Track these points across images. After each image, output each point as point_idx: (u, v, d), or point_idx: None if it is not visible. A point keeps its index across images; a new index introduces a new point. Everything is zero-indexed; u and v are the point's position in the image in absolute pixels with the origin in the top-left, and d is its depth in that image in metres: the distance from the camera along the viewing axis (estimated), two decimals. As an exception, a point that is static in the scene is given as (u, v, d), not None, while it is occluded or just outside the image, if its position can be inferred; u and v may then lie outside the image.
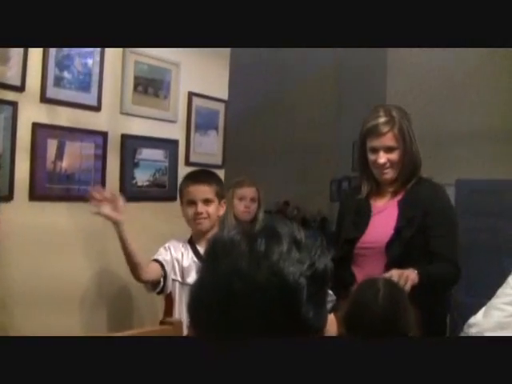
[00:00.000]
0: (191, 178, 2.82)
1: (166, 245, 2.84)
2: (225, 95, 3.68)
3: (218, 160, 3.66)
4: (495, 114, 5.23)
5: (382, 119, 2.64)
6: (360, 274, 2.59)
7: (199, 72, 3.48)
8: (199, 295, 1.11)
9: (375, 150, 2.62)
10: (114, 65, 3.05)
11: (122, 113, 3.11)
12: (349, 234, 2.69)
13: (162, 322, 2.10)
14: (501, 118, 5.00)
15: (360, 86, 6.79)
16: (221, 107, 3.66)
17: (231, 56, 3.69)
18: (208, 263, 1.12)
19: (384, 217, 2.67)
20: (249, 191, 3.61)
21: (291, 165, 7.39)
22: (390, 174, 2.65)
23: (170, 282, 2.75)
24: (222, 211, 2.83)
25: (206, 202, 2.73)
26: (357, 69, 6.48)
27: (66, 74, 2.84)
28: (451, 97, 5.75)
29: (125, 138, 3.13)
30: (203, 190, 2.74)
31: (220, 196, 2.82)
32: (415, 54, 4.68)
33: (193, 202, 2.75)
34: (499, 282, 2.49)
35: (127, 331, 2.14)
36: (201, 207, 2.72)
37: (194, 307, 1.13)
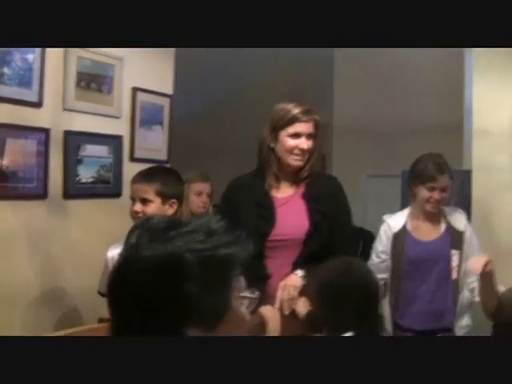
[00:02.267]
0: (137, 175, 2.75)
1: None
2: (169, 90, 3.66)
3: (164, 155, 3.65)
4: (439, 108, 5.33)
5: (305, 107, 2.70)
6: (272, 266, 2.60)
7: (143, 67, 3.46)
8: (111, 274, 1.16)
9: (298, 136, 2.65)
10: (56, 60, 3.01)
11: (64, 109, 3.07)
12: (261, 228, 2.64)
13: (101, 320, 2.08)
14: (444, 112, 5.09)
15: (307, 83, 6.83)
16: (166, 102, 3.64)
17: (176, 50, 3.68)
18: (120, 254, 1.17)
19: (290, 209, 2.68)
20: (205, 186, 3.66)
21: (241, 160, 7.37)
22: (301, 161, 2.67)
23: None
24: (170, 211, 2.68)
25: (144, 201, 2.64)
26: (304, 67, 6.51)
27: (5, 70, 2.79)
28: (397, 92, 5.84)
29: (68, 134, 3.09)
30: (142, 189, 2.66)
31: (166, 196, 2.69)
32: (361, 51, 4.72)
33: (133, 200, 2.69)
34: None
35: (66, 330, 2.12)
36: (138, 206, 2.64)
37: (109, 291, 1.16)
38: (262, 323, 2.17)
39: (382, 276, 2.98)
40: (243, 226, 2.65)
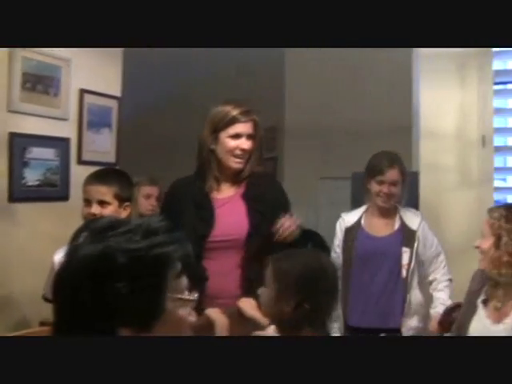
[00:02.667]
0: (92, 177, 2.68)
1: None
2: (117, 92, 3.63)
3: (112, 158, 3.61)
4: (389, 111, 5.40)
5: (244, 108, 2.74)
6: (213, 267, 2.59)
7: (91, 69, 3.42)
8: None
9: (238, 136, 2.67)
10: (0, 60, 2.95)
11: (9, 111, 3.01)
12: (199, 230, 2.62)
13: (42, 323, 2.04)
14: (394, 114, 5.16)
15: (258, 85, 6.84)
16: (114, 104, 3.60)
17: (124, 52, 3.64)
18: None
19: (229, 210, 2.69)
20: (154, 189, 3.66)
21: (190, 162, 7.35)
22: (241, 163, 2.70)
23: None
24: (124, 214, 2.64)
25: (102, 203, 2.58)
26: (255, 69, 6.52)
27: None
28: (348, 95, 5.90)
29: (13, 136, 3.03)
30: (99, 191, 2.60)
31: (122, 198, 2.65)
32: (312, 54, 4.75)
33: (88, 202, 2.61)
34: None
35: (7, 333, 2.08)
36: (95, 208, 2.57)
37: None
38: (209, 325, 2.16)
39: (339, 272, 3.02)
40: (183, 227, 2.67)
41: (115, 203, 2.62)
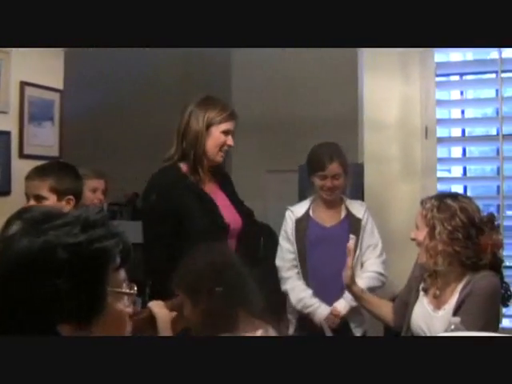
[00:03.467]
0: (31, 171, 2.68)
1: None
2: (60, 85, 3.56)
3: (55, 151, 3.55)
4: (334, 103, 5.45)
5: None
6: None
7: (31, 61, 3.34)
8: None
9: (227, 133, 2.86)
10: None
11: None
12: (218, 223, 2.76)
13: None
14: (339, 106, 5.21)
15: (205, 78, 6.82)
16: (56, 97, 3.54)
17: (66, 44, 3.58)
18: None
19: (219, 202, 2.84)
20: (100, 183, 3.58)
21: (140, 155, 7.29)
22: (223, 157, 2.90)
23: None
24: (67, 208, 2.58)
25: (38, 198, 2.57)
26: (201, 62, 6.50)
27: None
28: (294, 88, 5.93)
29: (-49, 130, 2.95)
30: (35, 186, 2.60)
31: (60, 192, 2.63)
32: (258, 52, 4.76)
33: (27, 196, 2.61)
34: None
35: None
36: (32, 203, 2.57)
37: None
38: (150, 318, 2.14)
39: (295, 262, 3.20)
40: (193, 224, 2.67)
41: (52, 197, 2.59)
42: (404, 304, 2.54)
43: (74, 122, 3.81)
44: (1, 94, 3.20)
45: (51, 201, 2.59)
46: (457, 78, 3.85)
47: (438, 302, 2.38)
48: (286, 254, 3.24)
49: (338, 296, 3.15)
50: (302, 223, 3.25)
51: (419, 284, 2.49)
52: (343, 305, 3.13)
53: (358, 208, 3.26)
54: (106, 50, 3.85)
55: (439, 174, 3.62)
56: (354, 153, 3.94)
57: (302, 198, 5.28)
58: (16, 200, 3.14)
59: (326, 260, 3.18)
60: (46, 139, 3.48)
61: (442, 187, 3.58)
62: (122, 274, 1.17)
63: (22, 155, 3.32)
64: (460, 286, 2.32)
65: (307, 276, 3.21)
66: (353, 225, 3.20)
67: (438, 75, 3.59)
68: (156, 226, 2.76)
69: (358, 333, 3.20)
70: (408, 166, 3.61)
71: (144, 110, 7.31)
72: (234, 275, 2.04)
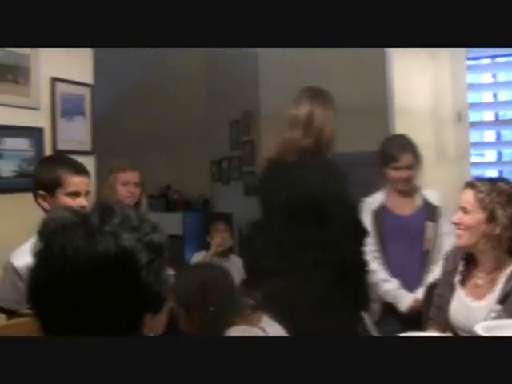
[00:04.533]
0: (75, 168, 2.51)
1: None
2: (90, 79, 3.59)
3: (87, 146, 3.57)
4: (362, 91, 5.41)
5: None
6: None
7: (61, 56, 3.37)
8: (36, 278, 1.10)
9: None
10: (-32, 52, 2.91)
11: (-21, 101, 2.97)
12: None
13: (25, 314, 2.02)
14: (368, 94, 5.17)
15: (232, 68, 6.82)
16: (86, 92, 3.56)
17: (95, 39, 3.60)
18: (40, 244, 1.11)
19: None
20: (132, 176, 3.50)
21: (169, 148, 7.34)
22: None
23: None
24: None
25: (87, 194, 2.51)
26: (228, 54, 6.51)
27: None
28: (321, 75, 5.89)
29: (-15, 127, 3.00)
30: (87, 182, 2.52)
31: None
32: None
33: (76, 194, 2.46)
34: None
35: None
36: (85, 200, 2.46)
37: (31, 291, 1.11)
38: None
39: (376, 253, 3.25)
40: None
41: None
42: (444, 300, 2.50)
43: (104, 117, 3.81)
44: (32, 90, 3.23)
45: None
46: (488, 60, 3.79)
47: (478, 293, 2.34)
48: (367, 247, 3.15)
49: (417, 284, 3.18)
50: (379, 214, 3.29)
51: (453, 278, 2.45)
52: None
53: (434, 195, 3.28)
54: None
55: (473, 159, 3.58)
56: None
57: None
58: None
59: (403, 249, 3.23)
60: (77, 134, 3.51)
61: (476, 172, 3.54)
62: None
63: (55, 151, 3.34)
64: (503, 275, 2.29)
65: (388, 266, 3.25)
66: (430, 212, 3.23)
67: (468, 58, 3.54)
68: None
69: None
70: (441, 152, 3.58)
71: (172, 104, 7.36)
72: (224, 296, 2.10)
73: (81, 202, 2.43)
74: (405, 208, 3.29)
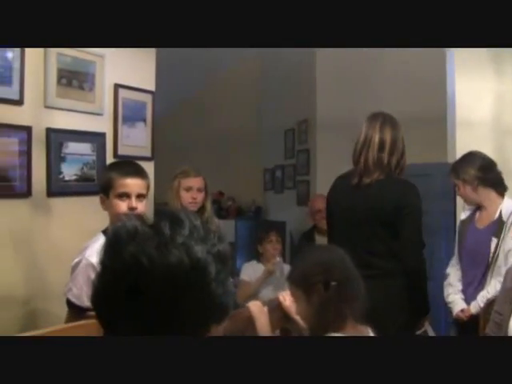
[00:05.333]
0: (125, 170, 2.58)
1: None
2: (152, 86, 3.64)
3: (147, 152, 3.62)
4: (422, 101, 5.35)
5: None
6: None
7: (125, 64, 3.44)
8: (104, 286, 1.09)
9: None
10: (36, 57, 2.98)
11: (46, 106, 3.04)
12: None
13: (88, 317, 2.05)
14: (427, 104, 5.11)
15: (289, 78, 6.83)
16: (148, 99, 3.62)
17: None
18: (110, 252, 1.09)
19: None
20: (195, 181, 3.46)
21: (224, 155, 7.39)
22: None
23: None
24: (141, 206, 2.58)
25: (139, 196, 2.55)
26: (285, 62, 6.52)
27: (-15, 68, 2.76)
28: (380, 85, 5.85)
29: (50, 132, 3.06)
30: (139, 184, 2.56)
31: (147, 191, 2.65)
32: (343, 51, 4.73)
33: (127, 196, 2.53)
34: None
35: (50, 327, 2.09)
36: (135, 202, 2.52)
37: (97, 299, 1.11)
38: (249, 318, 2.17)
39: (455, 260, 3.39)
40: None
41: (146, 196, 2.61)
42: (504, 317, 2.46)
43: (161, 123, 3.85)
44: (96, 96, 3.29)
45: (145, 199, 2.60)
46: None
47: None
48: (455, 252, 3.40)
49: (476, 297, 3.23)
50: (464, 225, 3.37)
51: None
52: (475, 306, 3.20)
53: (507, 210, 3.26)
54: (195, 50, 3.93)
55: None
56: (443, 150, 3.87)
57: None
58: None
59: (472, 261, 3.28)
60: (138, 140, 3.56)
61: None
62: None
63: (116, 156, 3.40)
64: None
65: (463, 275, 3.34)
66: (499, 227, 3.22)
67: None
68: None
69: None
70: (502, 165, 3.51)
71: (227, 112, 7.41)
72: (346, 274, 2.04)
73: (130, 203, 2.50)
74: (483, 221, 3.32)
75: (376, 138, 2.96)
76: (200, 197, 3.45)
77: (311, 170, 6.39)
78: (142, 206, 2.55)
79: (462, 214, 3.43)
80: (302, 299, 2.07)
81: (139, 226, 1.08)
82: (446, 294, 3.38)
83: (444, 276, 3.43)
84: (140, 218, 1.11)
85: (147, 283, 1.04)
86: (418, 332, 2.98)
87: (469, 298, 3.27)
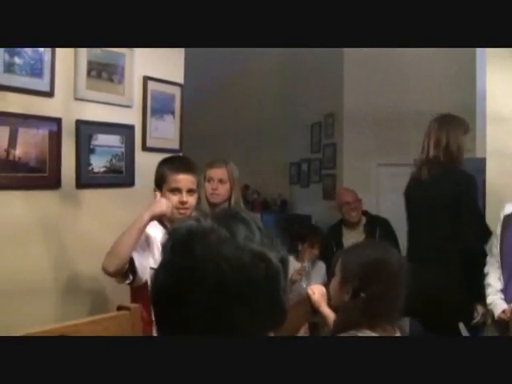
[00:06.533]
0: (177, 166, 2.74)
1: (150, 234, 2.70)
2: (180, 79, 3.64)
3: (176, 144, 3.62)
4: (451, 95, 5.30)
5: None
6: None
7: (154, 56, 3.44)
8: (172, 283, 1.05)
9: None
10: (66, 50, 2.99)
11: (75, 98, 3.05)
12: None
13: (119, 308, 2.07)
14: (457, 99, 5.07)
15: (317, 72, 6.81)
16: (177, 91, 3.62)
17: (186, 39, 3.65)
18: (176, 251, 1.06)
19: None
20: (216, 172, 3.42)
21: (249, 148, 7.40)
22: None
23: (142, 272, 2.56)
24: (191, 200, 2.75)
25: (190, 191, 2.71)
26: (313, 56, 6.48)
27: (17, 60, 2.78)
28: (408, 80, 5.82)
29: (79, 123, 3.07)
30: (190, 180, 2.72)
31: (198, 186, 2.81)
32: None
33: (178, 191, 2.69)
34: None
35: (82, 318, 2.11)
36: (186, 196, 2.69)
37: (160, 298, 1.08)
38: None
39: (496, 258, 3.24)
40: None
41: (196, 191, 2.77)
42: None
43: (188, 116, 3.85)
44: (125, 88, 3.30)
45: (196, 194, 2.78)
46: None
47: None
48: (493, 249, 3.25)
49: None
50: (508, 220, 3.22)
51: None
52: None
53: None
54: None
55: None
56: (473, 147, 3.83)
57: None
58: (139, 191, 3.26)
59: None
60: (166, 132, 3.57)
61: None
62: None
63: (144, 148, 3.41)
64: None
65: (504, 272, 3.19)
66: None
67: None
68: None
69: None
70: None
71: (254, 105, 7.42)
72: (382, 286, 1.99)
73: (181, 197, 2.68)
74: None
75: (437, 137, 3.36)
76: (223, 189, 3.40)
77: (337, 164, 6.37)
78: (192, 200, 2.73)
79: (507, 208, 3.26)
80: (337, 288, 2.09)
81: (215, 227, 1.05)
82: (486, 293, 3.21)
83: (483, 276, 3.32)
84: (214, 217, 1.09)
85: (223, 287, 1.01)
86: (474, 321, 3.18)
87: (510, 296, 3.13)
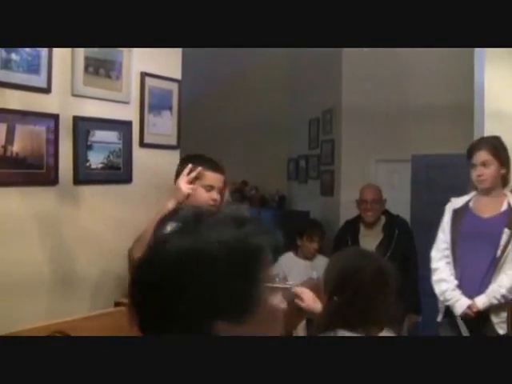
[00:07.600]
0: (214, 166, 3.00)
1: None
2: (178, 75, 3.63)
3: (173, 141, 3.61)
4: (449, 91, 5.30)
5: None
6: None
7: (151, 52, 3.42)
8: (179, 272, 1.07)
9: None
10: (64, 46, 2.99)
11: (73, 94, 3.04)
12: None
13: (116, 304, 2.07)
14: (455, 95, 5.07)
15: (316, 68, 6.80)
16: (174, 87, 3.60)
17: (183, 35, 3.64)
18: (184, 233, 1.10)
19: None
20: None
21: (247, 145, 7.39)
22: None
23: None
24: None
25: (219, 190, 2.96)
26: (311, 51, 6.48)
27: (13, 56, 2.77)
28: (406, 76, 5.81)
29: (77, 120, 3.07)
30: (222, 180, 2.98)
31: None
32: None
33: (212, 188, 2.93)
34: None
35: (80, 314, 2.11)
36: (217, 194, 2.93)
37: (144, 285, 1.10)
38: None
39: (446, 251, 3.28)
40: None
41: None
42: None
43: (189, 111, 3.85)
44: (123, 84, 3.29)
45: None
46: None
47: None
48: (440, 245, 3.30)
49: (479, 289, 3.14)
50: (459, 214, 3.29)
51: None
52: (483, 301, 3.10)
53: None
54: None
55: None
56: (470, 143, 3.83)
57: (414, 187, 5.22)
58: (137, 188, 3.26)
59: (474, 250, 3.20)
60: (164, 128, 3.55)
61: None
62: (273, 269, 1.16)
63: (142, 144, 3.39)
64: None
65: (456, 266, 3.23)
66: (510, 218, 3.17)
67: None
68: None
69: (501, 330, 3.10)
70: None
71: (252, 101, 7.41)
72: (358, 287, 2.05)
73: (213, 195, 2.92)
74: (487, 210, 3.26)
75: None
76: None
77: (335, 160, 6.37)
78: (219, 198, 2.98)
79: (454, 202, 3.36)
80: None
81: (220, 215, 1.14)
82: (439, 290, 3.25)
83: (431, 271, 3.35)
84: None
85: (158, 267, 1.07)
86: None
87: (469, 291, 3.16)
